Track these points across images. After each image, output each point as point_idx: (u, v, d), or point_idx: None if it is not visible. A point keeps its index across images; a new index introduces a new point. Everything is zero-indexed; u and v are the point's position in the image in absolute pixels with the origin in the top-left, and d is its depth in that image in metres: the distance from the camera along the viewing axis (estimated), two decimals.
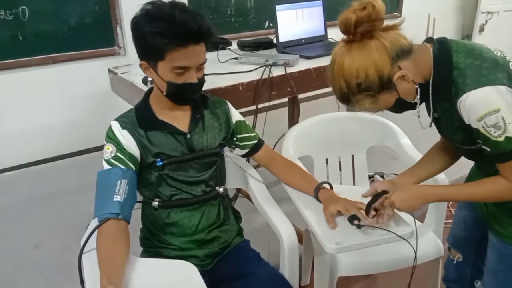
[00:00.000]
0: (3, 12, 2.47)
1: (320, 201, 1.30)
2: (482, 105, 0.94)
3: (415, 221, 1.17)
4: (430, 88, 1.04)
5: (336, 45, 1.06)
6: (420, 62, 1.03)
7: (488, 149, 0.99)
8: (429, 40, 1.06)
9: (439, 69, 1.02)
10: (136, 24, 1.14)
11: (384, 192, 1.17)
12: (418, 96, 1.05)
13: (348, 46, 1.02)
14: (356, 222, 1.16)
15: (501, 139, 0.94)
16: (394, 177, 1.29)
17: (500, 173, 1.02)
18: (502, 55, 1.01)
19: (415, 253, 1.16)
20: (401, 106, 1.07)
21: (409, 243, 1.14)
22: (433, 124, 1.14)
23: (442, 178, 1.52)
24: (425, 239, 1.51)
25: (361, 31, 0.99)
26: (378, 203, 1.16)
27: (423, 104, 1.09)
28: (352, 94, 1.04)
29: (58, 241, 2.14)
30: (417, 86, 1.04)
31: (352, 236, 1.15)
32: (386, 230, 1.14)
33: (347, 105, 1.09)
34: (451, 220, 1.44)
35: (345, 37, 1.03)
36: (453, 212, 1.99)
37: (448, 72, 1.00)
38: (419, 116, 1.09)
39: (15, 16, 2.50)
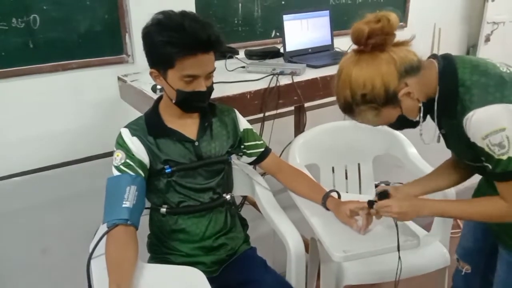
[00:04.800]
0: (14, 20, 2.51)
1: (327, 209, 1.31)
2: (487, 123, 0.94)
3: (397, 229, 1.16)
4: (436, 104, 1.03)
5: (346, 54, 1.06)
6: (426, 80, 1.03)
7: (490, 166, 0.98)
8: (433, 56, 1.06)
9: (445, 85, 1.01)
10: (147, 33, 1.16)
11: (387, 194, 1.18)
12: (421, 115, 1.04)
13: (358, 57, 1.02)
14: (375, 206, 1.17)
15: (504, 157, 0.94)
16: (399, 185, 1.29)
17: (499, 193, 1.01)
18: (508, 71, 1.00)
19: (399, 263, 1.15)
20: (402, 123, 1.07)
21: (399, 255, 1.14)
22: (441, 139, 1.14)
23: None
24: (431, 249, 1.51)
25: (372, 43, 0.99)
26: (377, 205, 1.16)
27: (427, 120, 1.09)
28: (356, 105, 1.03)
29: (66, 246, 2.15)
30: (421, 105, 1.03)
31: (359, 245, 1.15)
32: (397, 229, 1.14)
33: (349, 115, 1.09)
34: (458, 230, 1.44)
35: (355, 47, 1.03)
36: (459, 222, 1.99)
37: (453, 89, 0.99)
38: (421, 134, 1.09)
39: (27, 24, 2.54)
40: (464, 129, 0.98)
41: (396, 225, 1.14)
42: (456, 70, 1.01)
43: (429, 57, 1.07)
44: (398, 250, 1.13)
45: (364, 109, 1.04)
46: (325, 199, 1.32)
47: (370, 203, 1.18)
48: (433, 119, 1.06)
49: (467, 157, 1.09)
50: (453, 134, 1.06)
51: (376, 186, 1.24)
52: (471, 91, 0.97)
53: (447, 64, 1.02)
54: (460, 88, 0.99)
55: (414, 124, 1.08)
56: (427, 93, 1.03)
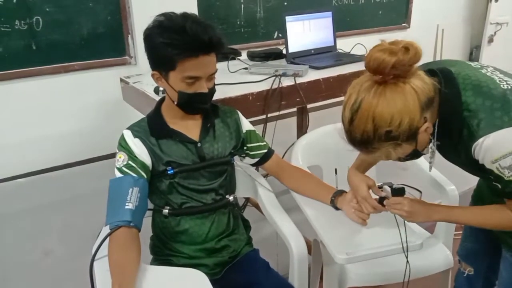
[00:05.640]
0: (17, 22, 2.52)
1: (336, 207, 1.29)
2: (498, 148, 0.92)
3: (400, 230, 1.16)
4: (436, 128, 0.99)
5: (362, 83, 0.95)
6: (434, 108, 0.97)
7: (499, 186, 0.98)
8: (431, 72, 0.99)
9: (449, 110, 0.97)
10: (149, 35, 1.16)
11: (402, 191, 1.16)
12: (429, 147, 1.01)
13: (380, 88, 0.92)
14: (385, 202, 1.17)
15: None
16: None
17: (509, 208, 1.03)
18: (509, 86, 0.96)
19: (408, 266, 1.15)
20: (410, 157, 1.03)
21: (406, 256, 1.13)
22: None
23: (452, 189, 1.51)
24: (434, 251, 1.50)
25: (395, 73, 0.91)
26: (390, 200, 1.15)
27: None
28: (378, 140, 0.94)
29: (69, 248, 2.15)
30: (431, 138, 0.99)
31: (362, 247, 1.15)
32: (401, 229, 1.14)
33: (361, 148, 0.99)
34: (461, 232, 1.43)
35: (368, 73, 0.95)
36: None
37: (458, 113, 0.96)
38: (430, 170, 1.09)
39: (29, 26, 2.55)
40: (470, 153, 0.97)
41: (404, 226, 1.14)
42: (460, 93, 0.96)
43: (425, 71, 0.99)
44: (405, 251, 1.13)
45: (385, 145, 0.95)
46: (336, 196, 1.30)
47: (381, 200, 1.19)
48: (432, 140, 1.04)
49: (463, 167, 1.09)
50: (450, 150, 1.05)
51: (380, 187, 1.23)
52: (478, 116, 0.93)
53: (449, 86, 0.97)
54: (465, 112, 0.95)
55: (418, 156, 1.05)
56: (431, 118, 0.98)
